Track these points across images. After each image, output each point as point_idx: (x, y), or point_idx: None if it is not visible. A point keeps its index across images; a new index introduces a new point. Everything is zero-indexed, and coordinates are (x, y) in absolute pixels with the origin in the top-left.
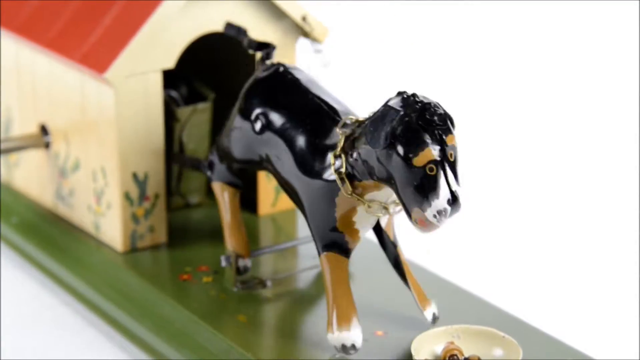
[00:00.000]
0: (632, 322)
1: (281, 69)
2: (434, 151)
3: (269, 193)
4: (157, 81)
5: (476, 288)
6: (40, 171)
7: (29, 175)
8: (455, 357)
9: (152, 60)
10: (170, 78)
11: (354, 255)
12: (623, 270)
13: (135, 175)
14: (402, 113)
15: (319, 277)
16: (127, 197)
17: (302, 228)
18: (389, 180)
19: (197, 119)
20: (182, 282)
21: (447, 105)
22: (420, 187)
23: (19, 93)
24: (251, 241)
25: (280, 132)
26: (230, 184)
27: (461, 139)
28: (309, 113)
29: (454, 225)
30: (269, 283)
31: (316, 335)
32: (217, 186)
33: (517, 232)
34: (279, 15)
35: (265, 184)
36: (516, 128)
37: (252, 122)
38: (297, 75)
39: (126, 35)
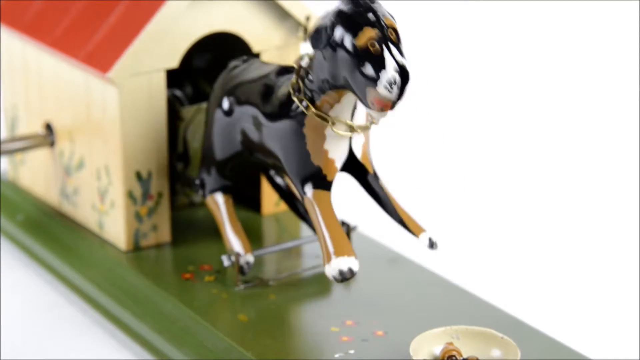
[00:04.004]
0: (631, 322)
1: (244, 58)
2: (372, 29)
3: (272, 193)
4: (161, 81)
5: (475, 288)
6: (46, 169)
7: (35, 173)
8: (453, 358)
9: (155, 60)
10: (175, 77)
11: None
12: (623, 271)
13: (138, 174)
14: (336, 9)
15: (321, 277)
16: (130, 195)
17: (306, 227)
18: (343, 82)
19: (201, 118)
20: (185, 281)
21: (447, 105)
22: (368, 66)
23: (25, 92)
24: (255, 240)
25: (245, 101)
26: (223, 188)
27: (462, 139)
28: (265, 76)
29: (454, 226)
30: (270, 283)
31: (317, 335)
32: (210, 200)
33: (516, 232)
34: (283, 15)
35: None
36: (517, 128)
37: (223, 106)
38: (257, 60)
39: (130, 35)
